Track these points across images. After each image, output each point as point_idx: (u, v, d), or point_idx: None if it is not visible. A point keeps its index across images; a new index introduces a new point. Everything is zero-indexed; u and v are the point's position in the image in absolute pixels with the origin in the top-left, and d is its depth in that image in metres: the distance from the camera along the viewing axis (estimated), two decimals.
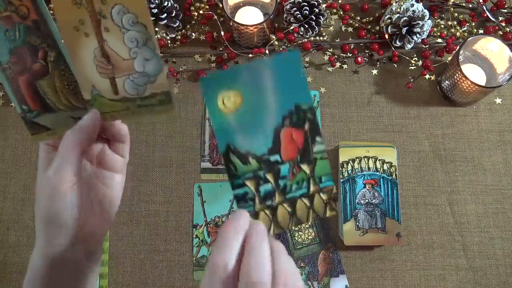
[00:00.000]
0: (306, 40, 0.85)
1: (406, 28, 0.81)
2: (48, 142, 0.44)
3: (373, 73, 0.86)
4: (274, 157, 0.41)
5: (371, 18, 0.88)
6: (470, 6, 0.88)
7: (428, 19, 0.82)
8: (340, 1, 0.89)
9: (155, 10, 0.81)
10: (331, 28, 0.88)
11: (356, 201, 0.77)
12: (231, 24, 0.79)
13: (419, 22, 0.81)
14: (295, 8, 0.83)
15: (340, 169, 0.79)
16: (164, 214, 0.78)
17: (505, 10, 0.88)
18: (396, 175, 0.79)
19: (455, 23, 0.87)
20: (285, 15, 0.85)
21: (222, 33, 0.83)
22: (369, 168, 0.79)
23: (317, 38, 0.86)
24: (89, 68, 0.40)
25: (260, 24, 0.77)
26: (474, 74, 0.80)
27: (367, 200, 0.77)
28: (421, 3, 0.83)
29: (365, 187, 0.78)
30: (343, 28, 0.89)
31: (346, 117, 0.84)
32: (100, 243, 0.47)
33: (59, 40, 0.41)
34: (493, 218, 0.79)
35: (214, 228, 0.77)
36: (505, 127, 0.84)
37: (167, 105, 0.43)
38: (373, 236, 0.76)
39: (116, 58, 0.40)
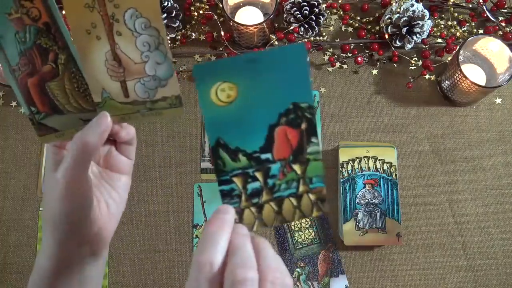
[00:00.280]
0: (306, 40, 0.88)
1: (406, 28, 0.84)
2: (56, 144, 0.45)
3: (373, 73, 0.89)
4: (266, 156, 0.40)
5: (371, 18, 0.91)
6: (470, 6, 0.91)
7: (428, 19, 0.84)
8: (340, 1, 0.91)
9: None
10: (331, 28, 0.91)
11: (356, 201, 0.79)
12: (231, 24, 0.82)
13: (419, 22, 0.83)
14: (295, 8, 0.85)
15: (340, 169, 0.81)
16: (164, 214, 0.81)
17: (505, 10, 0.90)
18: (396, 175, 0.81)
19: (455, 23, 0.90)
20: (285, 15, 0.87)
21: (222, 33, 0.86)
22: (369, 168, 0.81)
23: (317, 38, 0.89)
24: (100, 71, 0.42)
25: (260, 24, 0.80)
26: (474, 74, 0.83)
27: (367, 200, 0.79)
28: (421, 3, 0.85)
29: (365, 187, 0.80)
30: (343, 28, 0.91)
31: (346, 117, 0.86)
32: (106, 244, 0.48)
33: (70, 43, 0.42)
34: (493, 218, 0.82)
35: None
36: (505, 127, 0.86)
37: (176, 108, 0.44)
38: (373, 236, 0.78)
39: (128, 62, 0.41)
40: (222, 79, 0.38)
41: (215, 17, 0.86)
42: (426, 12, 0.84)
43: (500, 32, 0.89)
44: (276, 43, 0.86)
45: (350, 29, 0.91)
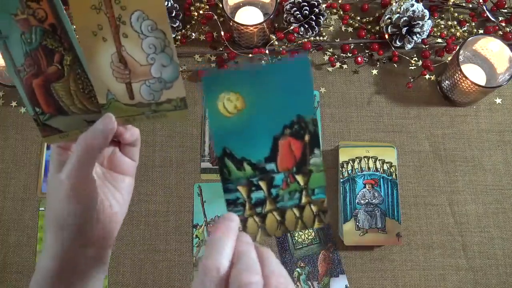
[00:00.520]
0: (306, 40, 0.89)
1: (406, 28, 0.85)
2: (60, 145, 0.46)
3: (373, 73, 0.90)
4: (270, 166, 0.42)
5: (371, 18, 0.92)
6: (470, 6, 0.93)
7: (428, 19, 0.85)
8: (340, 1, 0.93)
9: None
10: (331, 28, 0.93)
11: (356, 201, 0.81)
12: (231, 24, 0.83)
13: (419, 22, 0.85)
14: (295, 8, 0.87)
15: (340, 169, 0.82)
16: (164, 214, 0.82)
17: (505, 10, 0.92)
18: (396, 175, 0.82)
19: (455, 23, 0.92)
20: (285, 15, 0.89)
21: (222, 33, 0.87)
22: (369, 168, 0.82)
23: (317, 38, 0.90)
24: (106, 72, 0.42)
25: (260, 24, 0.81)
26: (474, 74, 0.84)
27: (367, 200, 0.81)
28: (421, 3, 0.86)
29: (365, 187, 0.82)
30: (343, 28, 0.93)
31: (346, 117, 0.88)
32: (109, 245, 0.49)
33: (76, 44, 0.43)
34: (493, 218, 0.83)
35: None
36: (505, 127, 0.88)
37: (181, 110, 0.44)
38: (373, 236, 0.79)
39: (133, 64, 0.42)
40: (230, 90, 0.39)
41: (215, 17, 0.88)
42: (426, 12, 0.85)
43: (500, 32, 0.91)
44: (276, 43, 0.88)
45: (350, 29, 0.93)
